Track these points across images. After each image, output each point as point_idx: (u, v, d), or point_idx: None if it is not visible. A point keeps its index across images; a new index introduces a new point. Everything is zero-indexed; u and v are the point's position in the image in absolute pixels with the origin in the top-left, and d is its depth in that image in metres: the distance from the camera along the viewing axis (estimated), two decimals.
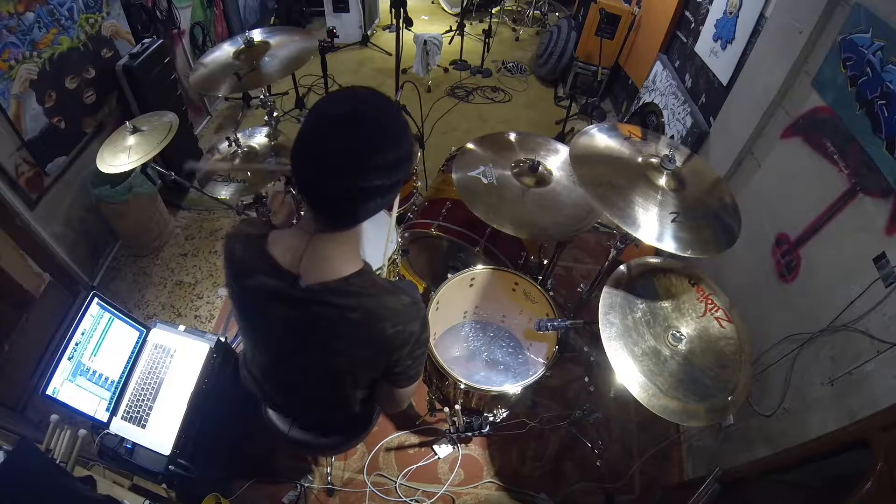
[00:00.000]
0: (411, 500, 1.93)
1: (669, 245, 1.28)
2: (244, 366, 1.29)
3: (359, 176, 0.79)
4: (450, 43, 4.51)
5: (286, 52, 2.13)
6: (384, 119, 0.81)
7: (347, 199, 0.82)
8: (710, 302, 1.44)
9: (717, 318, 1.41)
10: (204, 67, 2.14)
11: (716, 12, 2.47)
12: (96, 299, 1.69)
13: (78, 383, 1.57)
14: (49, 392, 1.49)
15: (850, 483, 1.07)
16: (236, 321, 1.12)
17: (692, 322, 1.41)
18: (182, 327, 1.91)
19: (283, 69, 2.09)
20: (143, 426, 1.67)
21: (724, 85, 2.35)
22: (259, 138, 2.04)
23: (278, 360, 1.12)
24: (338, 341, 0.96)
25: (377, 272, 1.82)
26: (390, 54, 4.37)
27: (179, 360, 1.83)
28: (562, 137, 3.52)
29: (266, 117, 2.08)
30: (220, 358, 1.85)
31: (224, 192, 1.86)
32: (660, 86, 2.98)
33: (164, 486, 1.63)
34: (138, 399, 1.72)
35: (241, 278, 0.98)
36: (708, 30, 2.54)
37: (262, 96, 2.25)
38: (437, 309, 1.80)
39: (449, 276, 1.83)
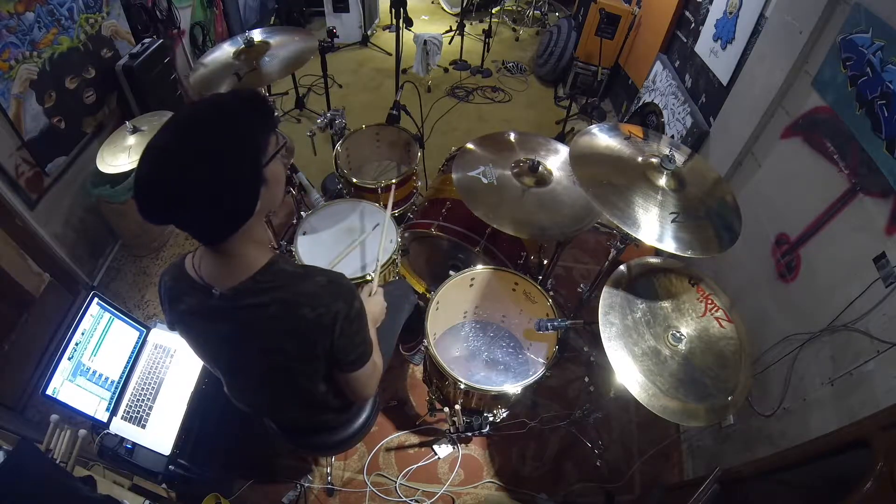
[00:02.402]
0: (411, 500, 1.93)
1: (670, 245, 1.28)
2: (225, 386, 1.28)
3: (164, 206, 0.79)
4: (450, 43, 4.51)
5: (286, 52, 2.13)
6: (175, 157, 0.78)
7: (179, 222, 0.82)
8: (710, 302, 1.44)
9: (717, 318, 1.41)
10: (204, 67, 2.14)
11: (716, 12, 2.47)
12: (96, 299, 1.69)
13: (78, 383, 1.58)
14: (49, 392, 1.49)
15: (850, 483, 1.07)
16: None
17: (692, 322, 1.41)
18: None
19: (283, 69, 2.09)
20: (143, 426, 1.67)
21: (724, 85, 2.34)
22: None
23: (229, 373, 1.12)
24: (266, 340, 0.96)
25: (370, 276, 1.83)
26: (390, 54, 4.37)
27: (179, 360, 1.83)
28: (562, 137, 3.52)
29: None
30: None
31: None
32: (660, 86, 2.98)
33: (164, 486, 1.63)
34: (138, 399, 1.72)
35: (174, 306, 1.00)
36: (708, 30, 2.54)
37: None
38: (437, 309, 1.80)
39: (450, 275, 1.83)
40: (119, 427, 1.66)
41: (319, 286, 0.93)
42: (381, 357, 1.19)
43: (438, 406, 1.96)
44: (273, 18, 4.58)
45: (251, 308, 0.91)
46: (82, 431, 1.47)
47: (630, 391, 1.25)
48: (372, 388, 1.14)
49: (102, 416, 1.62)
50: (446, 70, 4.36)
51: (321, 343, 0.96)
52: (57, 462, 1.34)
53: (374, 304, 1.38)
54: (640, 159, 1.47)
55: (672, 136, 2.63)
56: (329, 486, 1.93)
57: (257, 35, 2.20)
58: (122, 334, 1.78)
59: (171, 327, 1.05)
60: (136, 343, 1.82)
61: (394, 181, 2.19)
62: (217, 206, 0.80)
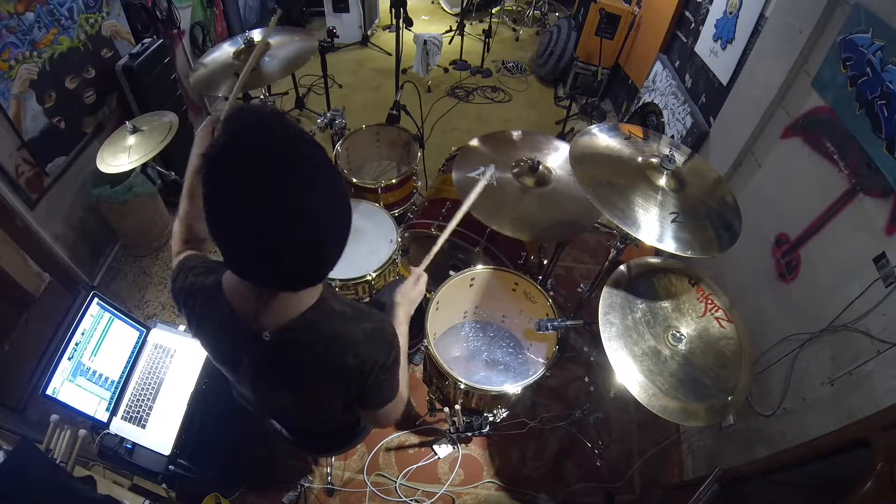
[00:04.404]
0: (411, 500, 1.93)
1: (670, 245, 1.28)
2: (232, 385, 1.25)
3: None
4: (450, 43, 4.51)
5: (286, 52, 2.13)
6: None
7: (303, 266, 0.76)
8: (710, 302, 1.44)
9: (717, 318, 1.41)
10: (204, 67, 2.14)
11: (716, 12, 2.47)
12: (96, 299, 1.69)
13: (78, 383, 1.58)
14: (49, 392, 1.49)
15: (850, 483, 1.07)
16: None
17: (692, 322, 1.41)
18: (182, 327, 1.91)
19: (283, 69, 2.09)
20: (143, 426, 1.67)
21: (724, 85, 2.35)
22: None
23: (253, 393, 1.10)
24: (303, 375, 0.94)
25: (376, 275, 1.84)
26: (390, 54, 4.36)
27: (179, 360, 1.83)
28: (562, 137, 3.51)
29: None
30: None
31: None
32: (660, 86, 2.98)
33: (164, 486, 1.63)
34: (138, 399, 1.72)
35: (204, 330, 0.96)
36: (708, 30, 2.54)
37: (262, 96, 2.26)
38: (437, 309, 1.80)
39: (450, 275, 1.83)
40: (119, 427, 1.66)
41: (365, 333, 0.91)
42: (407, 387, 1.14)
43: (438, 406, 1.96)
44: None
45: (294, 345, 0.87)
46: (82, 431, 1.47)
47: (630, 391, 1.25)
48: (393, 419, 1.11)
49: (102, 416, 1.62)
50: (446, 70, 4.36)
51: (354, 385, 0.95)
52: (57, 462, 1.34)
53: (417, 292, 1.29)
54: (640, 159, 1.47)
55: (672, 136, 2.63)
56: (329, 486, 1.93)
57: (257, 35, 2.20)
58: (122, 334, 1.78)
59: (193, 334, 1.01)
60: (136, 343, 1.82)
61: (393, 180, 2.20)
62: (338, 244, 0.77)
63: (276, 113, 0.75)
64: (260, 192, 0.67)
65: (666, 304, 1.43)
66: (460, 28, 4.31)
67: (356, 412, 1.11)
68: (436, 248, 1.39)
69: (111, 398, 1.67)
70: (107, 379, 1.67)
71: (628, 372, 1.27)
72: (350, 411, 1.12)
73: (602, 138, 1.55)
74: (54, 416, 1.43)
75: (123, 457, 1.62)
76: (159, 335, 1.88)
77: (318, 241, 0.74)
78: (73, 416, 1.55)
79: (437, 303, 1.78)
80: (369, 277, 1.84)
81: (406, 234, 2.09)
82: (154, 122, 1.98)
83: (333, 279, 1.81)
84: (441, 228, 1.97)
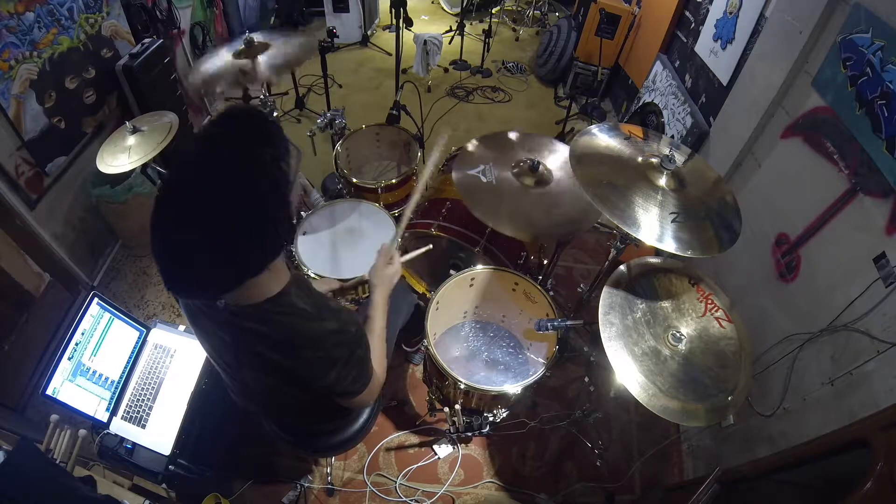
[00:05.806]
0: (411, 500, 1.93)
1: (670, 245, 1.28)
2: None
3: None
4: (450, 43, 4.51)
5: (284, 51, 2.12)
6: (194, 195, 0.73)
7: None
8: (710, 302, 1.44)
9: (717, 318, 1.41)
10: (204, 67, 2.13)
11: (716, 12, 2.47)
12: (96, 299, 1.69)
13: (78, 383, 1.58)
14: (49, 392, 1.49)
15: (850, 483, 1.07)
16: None
17: (692, 322, 1.41)
18: (182, 327, 1.92)
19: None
20: (143, 426, 1.67)
21: (724, 85, 2.34)
22: None
23: (227, 369, 1.11)
24: (264, 361, 0.95)
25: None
26: (390, 54, 4.37)
27: (179, 360, 1.83)
28: (562, 137, 3.52)
29: None
30: None
31: None
32: (660, 86, 2.98)
33: (164, 486, 1.63)
34: (138, 399, 1.72)
35: (191, 318, 1.01)
36: (708, 30, 2.54)
37: (261, 96, 2.26)
38: (437, 309, 1.80)
39: (450, 274, 1.83)
40: (119, 427, 1.66)
41: (326, 331, 0.92)
42: (383, 366, 1.16)
43: (438, 406, 1.96)
44: (273, 18, 4.59)
45: (254, 333, 0.89)
46: (82, 431, 1.47)
47: (630, 391, 1.25)
48: (370, 401, 1.12)
49: (102, 416, 1.62)
50: (446, 70, 4.36)
51: (318, 380, 0.96)
52: (57, 462, 1.34)
53: (392, 271, 1.33)
54: (640, 159, 1.47)
55: (672, 136, 2.63)
56: (329, 486, 1.93)
57: (258, 37, 2.19)
58: (122, 334, 1.78)
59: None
60: (136, 343, 1.82)
61: (393, 180, 2.19)
62: (256, 262, 0.80)
63: (219, 146, 0.77)
64: (169, 214, 0.75)
65: (666, 304, 1.43)
66: (460, 28, 4.31)
67: (331, 404, 1.11)
68: (404, 223, 1.50)
69: (111, 398, 1.67)
70: (107, 379, 1.67)
71: (628, 372, 1.27)
72: (328, 400, 1.11)
73: (602, 138, 1.55)
74: (54, 416, 1.43)
75: (123, 457, 1.61)
76: (159, 335, 1.88)
77: (207, 268, 0.77)
78: (73, 416, 1.55)
79: (437, 303, 1.78)
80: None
81: (406, 234, 2.09)
82: (154, 122, 1.97)
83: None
84: (441, 229, 1.98)
